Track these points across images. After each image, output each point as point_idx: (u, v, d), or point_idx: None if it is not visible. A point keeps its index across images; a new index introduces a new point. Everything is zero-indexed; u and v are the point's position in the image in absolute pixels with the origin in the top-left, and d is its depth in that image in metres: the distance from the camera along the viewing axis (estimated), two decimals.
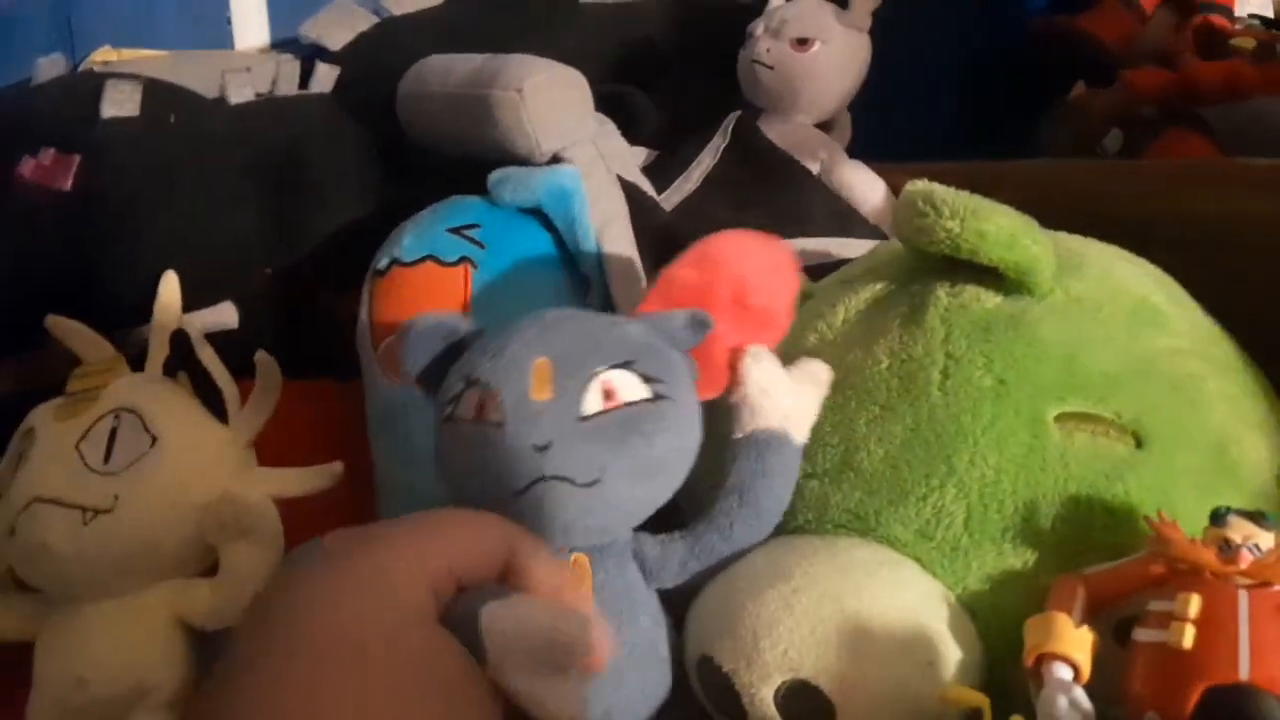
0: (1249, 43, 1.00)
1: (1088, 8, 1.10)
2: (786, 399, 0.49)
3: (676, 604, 0.49)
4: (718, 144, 0.78)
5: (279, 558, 0.53)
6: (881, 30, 0.81)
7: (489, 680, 0.34)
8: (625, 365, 0.45)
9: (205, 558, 0.54)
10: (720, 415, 0.49)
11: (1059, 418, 0.47)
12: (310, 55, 0.75)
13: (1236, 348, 0.52)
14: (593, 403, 0.44)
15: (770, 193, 0.75)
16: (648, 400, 0.44)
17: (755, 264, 0.51)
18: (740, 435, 0.48)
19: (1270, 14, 1.06)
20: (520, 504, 0.43)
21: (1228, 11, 1.07)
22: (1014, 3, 1.21)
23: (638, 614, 0.47)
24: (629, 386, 0.44)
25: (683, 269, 0.50)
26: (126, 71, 0.67)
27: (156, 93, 0.63)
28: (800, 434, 0.49)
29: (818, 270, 0.62)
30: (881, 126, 0.85)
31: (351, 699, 0.30)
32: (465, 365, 0.46)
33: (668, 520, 0.49)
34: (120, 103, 0.60)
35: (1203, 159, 0.83)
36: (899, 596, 0.45)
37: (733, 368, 0.49)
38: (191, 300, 0.63)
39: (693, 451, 0.47)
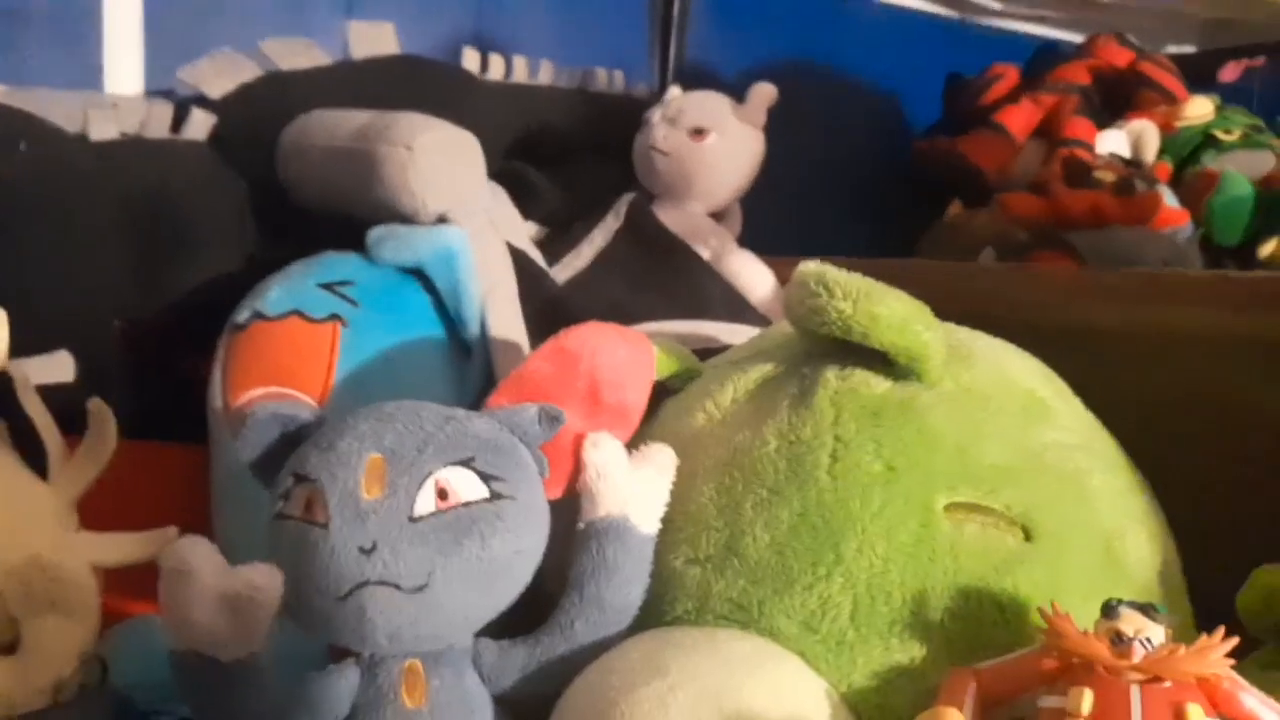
0: (1110, 176, 1.06)
1: (966, 132, 1.15)
2: (625, 483, 0.47)
3: (537, 708, 0.45)
4: (610, 224, 0.78)
5: (92, 635, 0.47)
6: (775, 132, 0.82)
7: None
8: (464, 463, 0.43)
9: (4, 632, 0.47)
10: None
11: (949, 507, 0.46)
12: (185, 103, 0.71)
13: (1116, 444, 0.52)
14: (425, 503, 0.41)
15: (664, 276, 0.74)
16: (486, 500, 0.42)
17: (611, 359, 0.50)
18: (581, 526, 0.46)
19: (1127, 154, 1.14)
20: (344, 610, 0.41)
21: (1090, 148, 1.14)
22: (900, 121, 1.27)
23: None
24: (466, 486, 0.42)
25: (537, 362, 0.49)
26: None
27: (6, 118, 0.58)
28: (645, 522, 0.47)
29: (706, 355, 0.61)
30: (768, 225, 0.86)
31: None
32: (296, 460, 0.44)
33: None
34: None
35: (1089, 270, 0.87)
36: (781, 695, 0.42)
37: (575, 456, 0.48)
38: (24, 344, 0.57)
39: (536, 552, 0.45)
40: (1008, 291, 0.73)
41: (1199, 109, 1.12)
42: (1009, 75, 1.18)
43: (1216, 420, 0.59)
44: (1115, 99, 1.17)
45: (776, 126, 0.82)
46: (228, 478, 0.55)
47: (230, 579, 0.40)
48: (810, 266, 0.49)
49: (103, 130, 0.63)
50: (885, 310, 0.47)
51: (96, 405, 0.50)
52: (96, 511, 0.52)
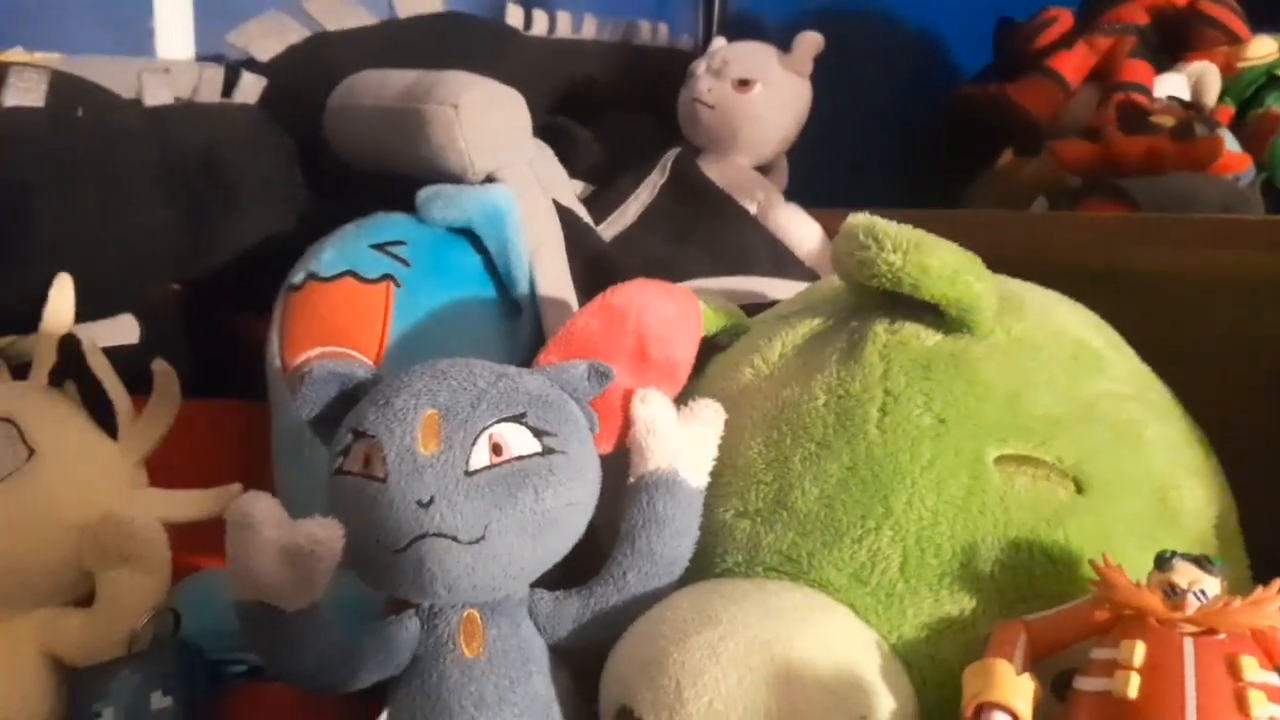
0: (1168, 120, 1.03)
1: (1016, 78, 1.13)
2: (674, 438, 0.47)
3: (593, 656, 0.46)
4: (655, 179, 0.77)
5: (164, 588, 0.49)
6: (821, 81, 0.81)
7: None
8: (516, 419, 0.43)
9: (80, 585, 0.49)
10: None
11: (999, 460, 0.45)
12: (235, 67, 0.72)
13: (1171, 394, 0.51)
14: (480, 457, 0.42)
15: (710, 230, 0.74)
16: (538, 454, 0.43)
17: (658, 315, 0.50)
18: (632, 480, 0.47)
19: (1187, 96, 1.10)
20: (403, 562, 0.42)
21: (1147, 91, 1.11)
22: (948, 67, 1.25)
23: (530, 672, 0.45)
24: (519, 440, 0.43)
25: (585, 319, 0.50)
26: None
27: (64, 85, 0.59)
28: (694, 475, 0.47)
29: (754, 310, 0.61)
30: (814, 177, 0.85)
31: None
32: (354, 416, 0.45)
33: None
34: (25, 91, 0.56)
35: (1138, 214, 0.85)
36: (831, 644, 0.42)
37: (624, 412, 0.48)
38: (89, 310, 0.58)
39: (588, 505, 0.46)
40: (1055, 238, 0.72)
41: (1262, 49, 1.08)
42: (1062, 19, 1.14)
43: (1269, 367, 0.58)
44: (1174, 40, 1.12)
45: (821, 76, 0.81)
46: (287, 435, 0.57)
47: (291, 532, 0.41)
48: (859, 218, 0.48)
49: (156, 95, 0.64)
50: (936, 262, 0.46)
51: (161, 367, 0.52)
52: (163, 468, 0.54)
